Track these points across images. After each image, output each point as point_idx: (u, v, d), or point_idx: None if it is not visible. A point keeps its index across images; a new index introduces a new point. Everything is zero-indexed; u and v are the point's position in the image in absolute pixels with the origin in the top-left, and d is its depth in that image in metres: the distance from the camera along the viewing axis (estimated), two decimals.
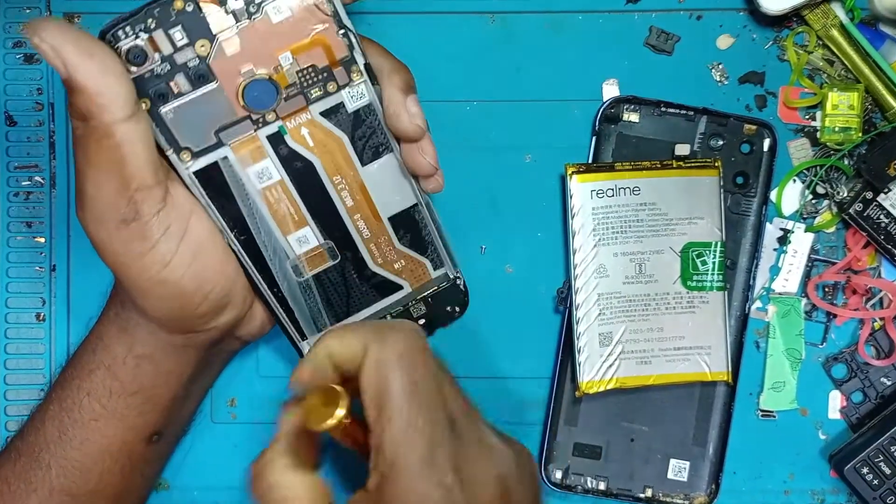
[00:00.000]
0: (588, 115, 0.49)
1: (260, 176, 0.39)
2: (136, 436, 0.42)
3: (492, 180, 0.50)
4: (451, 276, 0.44)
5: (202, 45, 0.36)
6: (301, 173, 0.40)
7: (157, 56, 0.36)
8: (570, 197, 0.47)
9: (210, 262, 0.39)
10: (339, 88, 0.38)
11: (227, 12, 0.36)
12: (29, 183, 0.50)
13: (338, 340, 0.36)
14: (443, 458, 0.34)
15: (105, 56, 0.34)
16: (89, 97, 0.33)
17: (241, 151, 0.38)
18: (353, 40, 0.37)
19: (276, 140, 0.39)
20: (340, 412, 0.34)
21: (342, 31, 0.37)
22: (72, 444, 0.41)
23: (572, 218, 0.47)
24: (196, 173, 0.38)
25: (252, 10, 0.36)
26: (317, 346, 0.37)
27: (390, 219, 0.42)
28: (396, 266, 0.43)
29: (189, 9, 0.35)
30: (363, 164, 0.40)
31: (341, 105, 0.39)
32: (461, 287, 0.44)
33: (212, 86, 0.37)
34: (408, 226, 0.42)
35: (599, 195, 0.47)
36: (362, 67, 0.38)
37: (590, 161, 0.48)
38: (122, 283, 0.38)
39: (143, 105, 0.36)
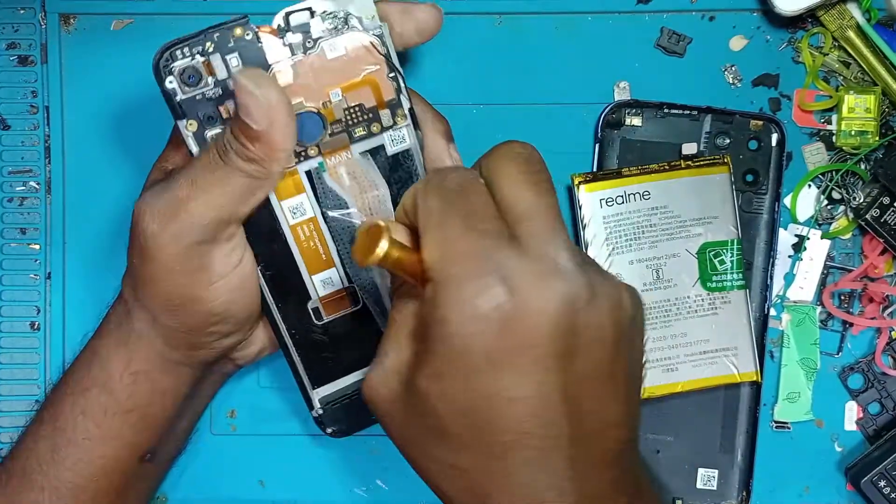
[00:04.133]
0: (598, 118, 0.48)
1: (294, 211, 0.39)
2: (130, 455, 0.42)
3: None
4: None
5: None
6: (334, 210, 0.39)
7: (210, 80, 0.37)
8: (580, 208, 0.46)
9: (246, 294, 0.39)
10: (383, 130, 0.39)
11: (284, 44, 0.37)
12: (23, 188, 0.49)
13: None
14: (490, 268, 0.31)
15: (292, 117, 0.35)
16: (269, 145, 0.35)
17: (280, 184, 0.38)
18: (402, 84, 0.38)
19: (314, 176, 0.39)
20: (384, 244, 0.33)
21: (392, 74, 0.38)
22: (65, 464, 0.41)
23: (583, 229, 0.46)
24: None
25: (308, 44, 0.37)
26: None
27: None
28: None
29: (248, 37, 0.36)
30: (395, 208, 0.40)
31: (381, 148, 0.39)
32: None
33: None
34: None
35: (609, 203, 0.46)
36: (407, 111, 0.39)
37: (595, 169, 0.48)
38: (150, 292, 0.38)
39: (189, 126, 0.37)
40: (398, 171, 0.39)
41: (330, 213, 0.39)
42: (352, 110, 0.38)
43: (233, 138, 0.35)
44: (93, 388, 0.40)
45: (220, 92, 0.37)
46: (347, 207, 0.39)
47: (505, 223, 0.32)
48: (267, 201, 0.38)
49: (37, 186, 0.49)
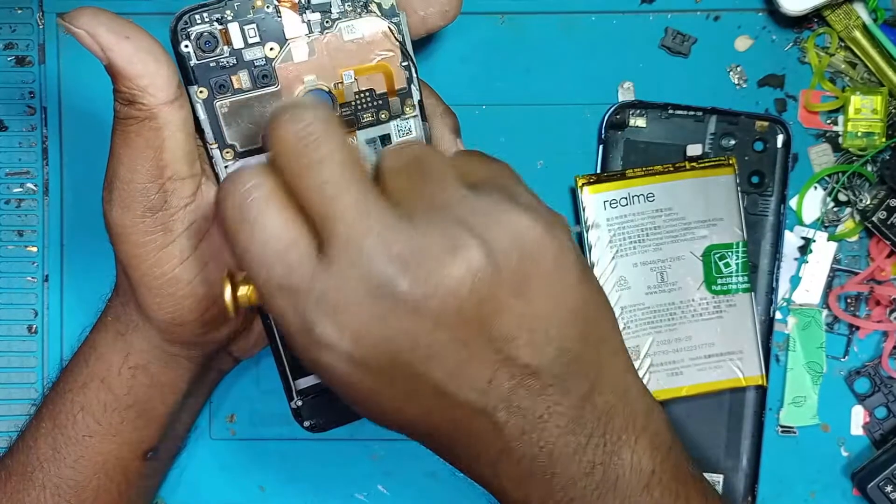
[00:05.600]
0: (602, 119, 0.48)
1: None
2: (132, 452, 0.41)
3: None
4: None
5: (271, 48, 0.37)
6: None
7: (226, 48, 0.36)
8: (583, 209, 0.46)
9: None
10: (391, 118, 0.39)
11: (302, 21, 0.37)
12: (21, 190, 0.48)
13: None
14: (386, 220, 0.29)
15: (142, 38, 0.34)
16: (130, 79, 0.34)
17: None
18: (414, 74, 0.38)
19: None
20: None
21: (405, 63, 0.38)
22: (66, 461, 0.40)
23: (587, 231, 0.46)
24: None
25: (327, 24, 0.37)
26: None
27: None
28: None
29: (268, 9, 0.37)
30: None
31: (387, 137, 0.39)
32: None
33: (272, 88, 0.37)
34: None
35: (613, 205, 0.46)
36: (416, 102, 0.39)
37: (598, 170, 0.47)
38: (131, 277, 0.37)
39: (200, 94, 0.36)
40: None
41: None
42: (362, 94, 0.38)
43: (115, 92, 0.35)
44: (91, 383, 0.40)
45: (235, 61, 0.36)
46: None
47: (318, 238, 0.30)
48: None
49: (34, 188, 0.48)
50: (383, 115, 0.38)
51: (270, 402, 0.49)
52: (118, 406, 0.40)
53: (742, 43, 0.48)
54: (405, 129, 0.39)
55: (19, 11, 0.48)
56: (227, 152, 0.37)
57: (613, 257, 0.46)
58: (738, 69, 0.48)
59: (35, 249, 0.48)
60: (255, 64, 0.37)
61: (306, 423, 0.42)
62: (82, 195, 0.48)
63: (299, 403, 0.41)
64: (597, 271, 0.46)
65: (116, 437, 0.41)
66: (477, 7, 0.48)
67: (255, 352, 0.44)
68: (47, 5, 0.48)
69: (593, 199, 0.46)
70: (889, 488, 0.46)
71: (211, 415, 0.49)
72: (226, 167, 0.37)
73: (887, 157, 0.47)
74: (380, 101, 0.38)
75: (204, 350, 0.41)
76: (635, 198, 0.46)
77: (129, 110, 0.35)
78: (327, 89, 0.38)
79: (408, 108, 0.39)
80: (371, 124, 0.38)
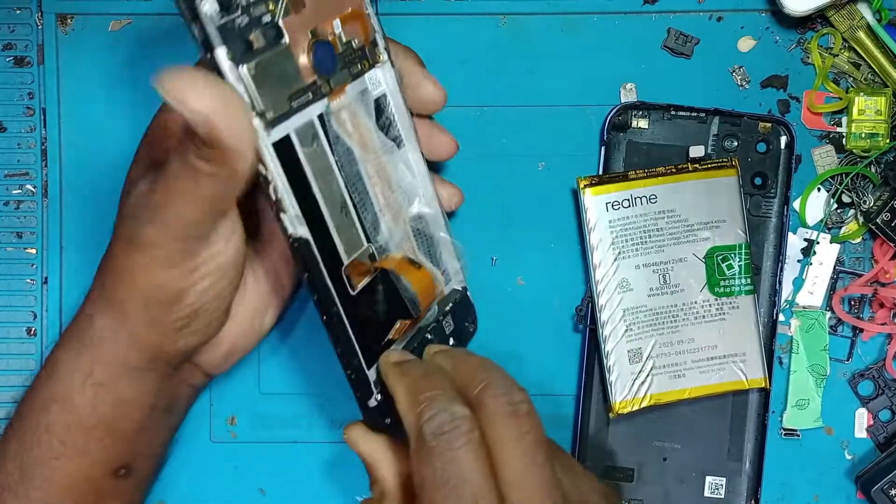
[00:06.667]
0: (604, 120, 0.47)
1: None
2: (102, 471, 0.41)
3: (503, 189, 0.48)
4: (461, 289, 0.42)
5: (271, 4, 0.34)
6: (346, 163, 0.37)
7: (240, 3, 0.33)
8: (585, 211, 0.46)
9: (226, 283, 0.38)
10: (369, 68, 0.37)
11: None
12: (20, 191, 0.48)
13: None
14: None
15: (239, 106, 0.32)
16: (224, 145, 0.32)
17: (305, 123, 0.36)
18: (376, 21, 0.37)
19: (326, 121, 0.36)
20: None
21: (369, 11, 0.37)
22: (33, 483, 0.40)
23: (589, 233, 0.46)
24: (274, 145, 0.34)
25: None
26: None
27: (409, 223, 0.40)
28: None
29: None
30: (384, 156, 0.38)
31: (366, 90, 0.37)
32: (471, 300, 0.42)
33: (283, 45, 0.34)
34: (421, 232, 0.40)
35: (615, 207, 0.46)
36: (384, 48, 0.37)
37: (601, 172, 0.47)
38: (133, 281, 0.36)
39: (230, 56, 0.32)
40: (381, 117, 0.38)
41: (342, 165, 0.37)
42: (348, 45, 0.36)
43: (192, 146, 0.33)
44: (53, 403, 0.39)
45: (248, 20, 0.33)
46: (355, 161, 0.37)
47: (498, 492, 0.34)
48: (313, 133, 0.35)
49: (33, 190, 0.48)
50: (364, 66, 0.37)
51: (271, 405, 0.48)
52: (81, 426, 0.39)
53: (745, 44, 0.48)
54: (375, 81, 0.37)
55: (18, 12, 0.48)
56: (262, 119, 0.34)
57: (616, 259, 0.46)
58: (741, 70, 0.48)
59: (34, 251, 0.48)
60: (263, 21, 0.33)
61: (388, 421, 0.38)
62: (81, 197, 0.48)
63: (379, 398, 0.38)
64: (599, 273, 0.46)
65: (84, 456, 0.40)
66: (478, 8, 0.48)
67: (228, 366, 0.43)
68: (46, 6, 0.48)
69: (595, 201, 0.46)
70: (893, 491, 0.45)
71: (211, 417, 0.48)
72: (268, 137, 0.34)
73: (891, 159, 0.47)
74: (360, 52, 0.37)
75: (171, 357, 0.39)
76: (637, 199, 0.46)
77: (208, 167, 0.33)
78: (328, 41, 0.36)
79: (380, 56, 0.38)
80: (357, 75, 0.37)
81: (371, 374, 0.38)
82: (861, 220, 0.48)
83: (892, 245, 0.47)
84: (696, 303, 0.46)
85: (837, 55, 0.48)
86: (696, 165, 0.46)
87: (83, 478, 0.40)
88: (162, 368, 0.40)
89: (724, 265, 0.46)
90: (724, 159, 0.46)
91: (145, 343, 0.38)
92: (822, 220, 0.48)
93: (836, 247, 0.48)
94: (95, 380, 0.39)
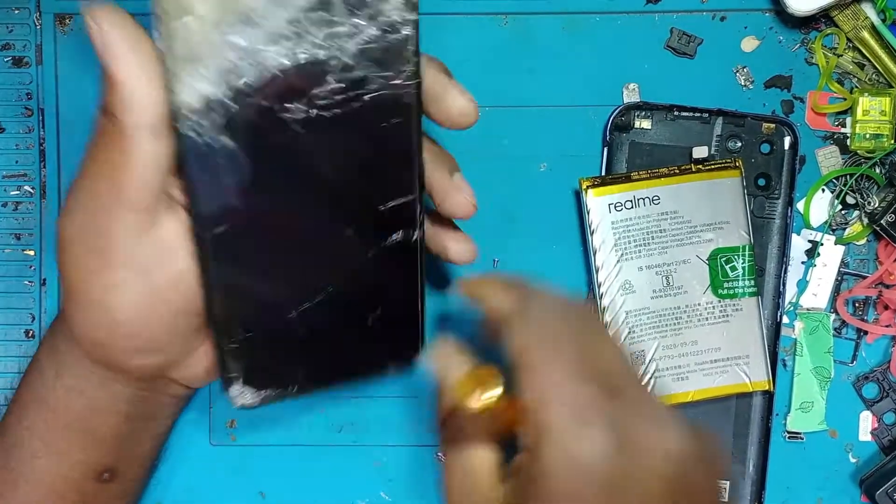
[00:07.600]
0: (606, 121, 0.47)
1: None
2: (83, 473, 0.40)
3: (505, 190, 0.48)
4: None
5: None
6: None
7: None
8: (588, 213, 0.45)
9: (167, 305, 0.35)
10: None
11: None
12: (18, 192, 0.48)
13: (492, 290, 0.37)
14: (596, 416, 0.31)
15: (150, 58, 0.32)
16: (121, 93, 0.32)
17: None
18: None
19: None
20: (498, 390, 0.34)
21: None
22: (17, 483, 0.40)
23: (591, 235, 0.45)
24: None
25: None
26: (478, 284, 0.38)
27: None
28: None
29: None
30: None
31: None
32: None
33: None
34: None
35: (618, 208, 0.45)
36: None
37: (603, 173, 0.47)
38: (63, 290, 0.36)
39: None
40: None
41: None
42: None
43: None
44: (31, 402, 0.39)
45: None
46: None
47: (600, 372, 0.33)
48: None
49: (31, 191, 0.48)
50: None
51: (271, 408, 0.47)
52: (57, 424, 0.39)
53: (748, 44, 0.48)
54: None
55: (16, 12, 0.48)
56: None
57: (618, 261, 0.45)
58: (745, 70, 0.48)
59: (32, 253, 0.48)
60: None
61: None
62: None
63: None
64: (601, 275, 0.45)
65: (63, 456, 0.40)
66: (480, 8, 0.47)
67: (208, 381, 0.40)
68: (45, 6, 0.47)
69: (598, 202, 0.45)
70: None
71: (211, 420, 0.48)
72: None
73: None
74: None
75: (138, 374, 0.38)
76: (640, 201, 0.46)
77: (108, 123, 0.32)
78: None
79: None
80: None
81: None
82: (865, 221, 0.47)
83: None
84: (699, 305, 0.46)
85: (842, 55, 0.47)
86: (700, 166, 0.46)
87: (62, 479, 0.40)
88: (129, 381, 0.39)
89: (727, 267, 0.46)
90: (728, 160, 0.46)
91: (94, 358, 0.37)
92: (826, 222, 0.48)
93: (841, 248, 0.48)
94: (64, 383, 0.39)
